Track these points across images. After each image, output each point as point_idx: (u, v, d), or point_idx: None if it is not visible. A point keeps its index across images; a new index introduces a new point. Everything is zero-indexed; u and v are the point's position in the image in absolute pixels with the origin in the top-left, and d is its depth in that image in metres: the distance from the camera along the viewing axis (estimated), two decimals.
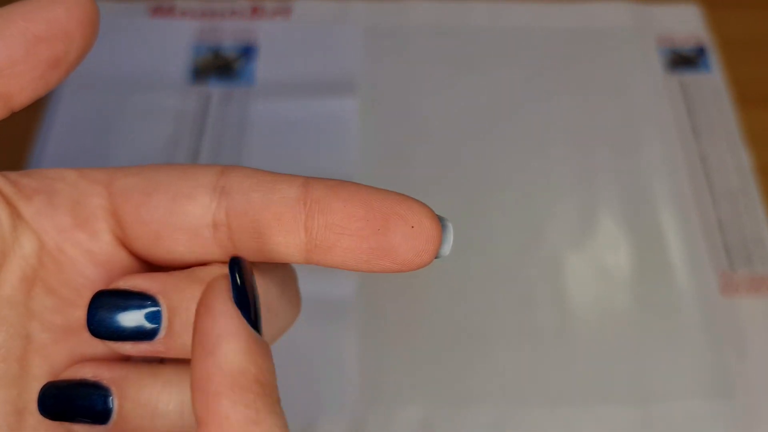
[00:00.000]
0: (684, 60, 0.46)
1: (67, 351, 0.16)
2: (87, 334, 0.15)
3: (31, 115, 0.42)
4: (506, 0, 0.49)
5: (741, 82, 0.45)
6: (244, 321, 0.13)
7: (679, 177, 0.42)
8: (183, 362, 0.16)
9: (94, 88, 0.44)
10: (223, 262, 0.16)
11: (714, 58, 0.46)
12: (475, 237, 0.40)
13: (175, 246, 0.15)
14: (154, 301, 0.15)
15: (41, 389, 0.15)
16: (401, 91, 0.45)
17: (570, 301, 0.38)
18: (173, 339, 0.15)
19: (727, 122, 0.44)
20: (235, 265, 0.14)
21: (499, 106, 0.44)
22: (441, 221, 0.15)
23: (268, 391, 0.13)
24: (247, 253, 0.15)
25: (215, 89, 0.44)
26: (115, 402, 0.15)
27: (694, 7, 0.48)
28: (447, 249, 0.15)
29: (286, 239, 0.15)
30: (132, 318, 0.14)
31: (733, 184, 0.42)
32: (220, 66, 0.45)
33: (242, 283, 0.13)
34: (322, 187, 0.15)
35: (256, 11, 0.48)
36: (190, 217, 0.15)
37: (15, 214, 0.15)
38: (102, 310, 0.15)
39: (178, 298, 0.15)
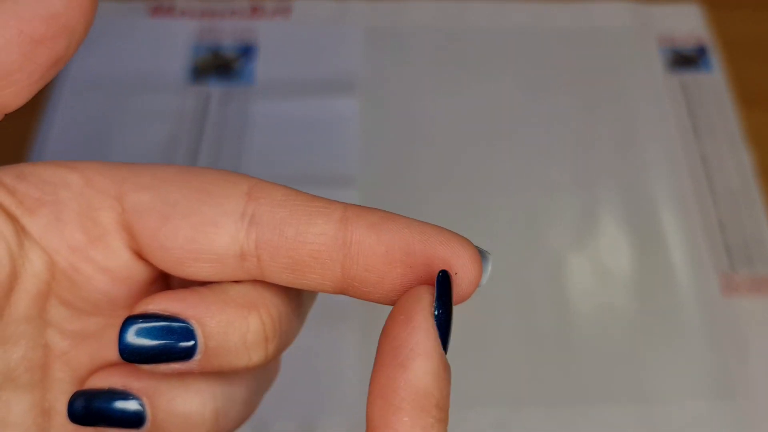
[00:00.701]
0: (685, 60, 0.46)
1: (88, 354, 0.15)
2: (106, 338, 0.15)
3: (30, 116, 0.42)
4: (506, 0, 0.48)
5: (742, 82, 0.45)
6: (440, 342, 0.13)
7: (680, 177, 0.42)
8: (214, 373, 0.15)
9: (94, 88, 0.44)
10: (254, 281, 0.15)
11: (715, 58, 0.46)
12: (475, 237, 0.40)
13: (199, 271, 0.14)
14: (188, 325, 0.14)
15: (70, 399, 0.15)
16: (401, 91, 0.45)
17: (570, 301, 0.38)
18: (208, 360, 0.14)
19: (728, 122, 0.44)
20: (444, 281, 0.13)
21: (499, 106, 0.44)
22: (482, 255, 0.15)
23: (444, 417, 0.13)
24: (277, 282, 0.15)
25: (215, 89, 0.44)
26: (147, 411, 0.15)
27: (695, 6, 0.48)
28: (485, 280, 0.15)
29: (321, 275, 0.14)
30: (165, 343, 0.14)
31: (733, 184, 0.42)
32: (219, 66, 0.45)
33: (447, 301, 0.13)
34: (362, 226, 0.14)
35: (255, 11, 0.47)
36: (215, 246, 0.14)
37: (20, 230, 0.14)
38: (133, 337, 0.14)
39: (212, 323, 0.14)
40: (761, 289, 0.38)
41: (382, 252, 0.14)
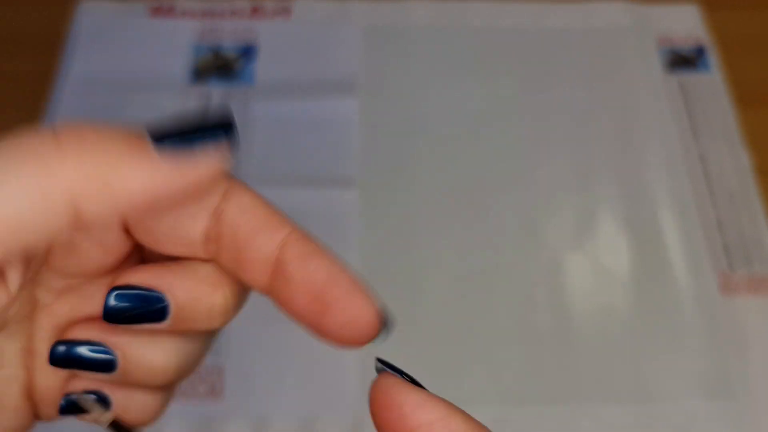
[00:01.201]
0: (683, 60, 0.46)
1: (69, 307, 0.18)
2: (87, 292, 0.18)
3: (31, 115, 0.42)
4: (506, 0, 0.49)
5: (740, 83, 0.45)
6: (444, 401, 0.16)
7: (679, 177, 0.42)
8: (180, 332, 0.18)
9: (94, 87, 0.44)
10: (212, 260, 0.17)
11: (713, 58, 0.46)
12: (475, 237, 0.40)
13: (171, 250, 0.17)
14: (162, 296, 0.16)
15: (51, 346, 0.17)
16: (401, 91, 0.45)
17: (569, 300, 0.38)
18: (176, 324, 0.17)
19: (726, 122, 0.44)
20: (384, 363, 0.16)
21: (499, 106, 0.45)
22: (383, 318, 0.16)
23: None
24: (226, 269, 0.17)
25: (215, 89, 0.44)
26: (119, 360, 0.17)
27: (694, 7, 0.48)
28: (382, 341, 0.16)
29: (255, 278, 0.16)
30: (142, 310, 0.16)
31: (732, 184, 0.42)
32: (220, 66, 0.45)
33: (399, 369, 0.16)
34: (296, 254, 0.16)
35: (256, 11, 0.48)
36: (191, 234, 0.17)
37: None
38: (115, 303, 0.16)
39: (184, 297, 0.17)
40: (759, 289, 0.38)
41: (300, 279, 0.16)
